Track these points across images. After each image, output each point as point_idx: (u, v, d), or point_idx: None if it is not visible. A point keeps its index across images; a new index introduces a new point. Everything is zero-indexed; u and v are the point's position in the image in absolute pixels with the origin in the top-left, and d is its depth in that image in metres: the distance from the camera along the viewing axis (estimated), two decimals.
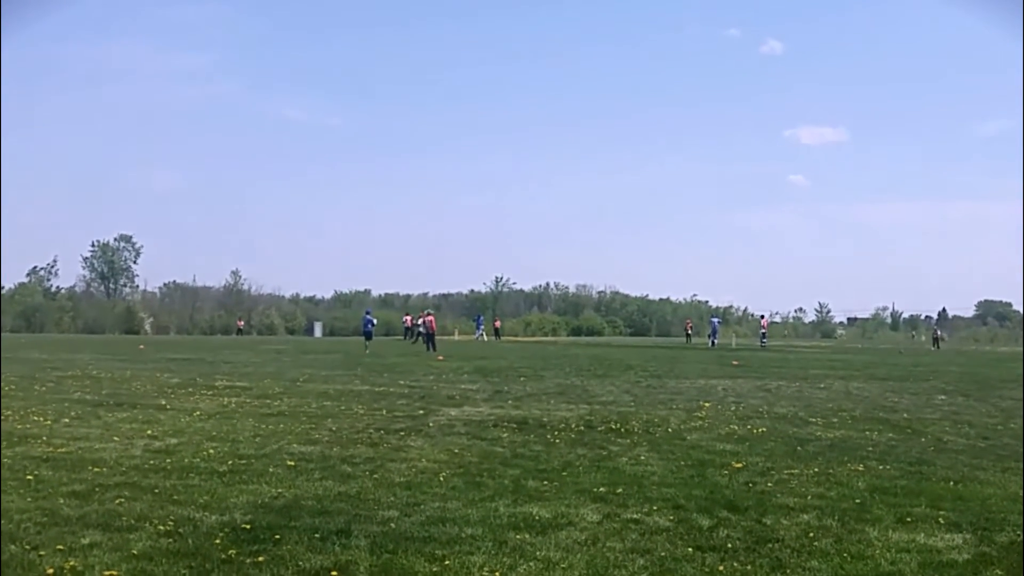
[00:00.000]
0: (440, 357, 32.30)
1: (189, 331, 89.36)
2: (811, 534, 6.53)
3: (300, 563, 5.66)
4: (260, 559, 5.71)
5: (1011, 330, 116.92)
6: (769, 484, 8.43)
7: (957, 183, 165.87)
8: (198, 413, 13.28)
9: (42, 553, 5.74)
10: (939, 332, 71.04)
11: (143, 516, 6.72)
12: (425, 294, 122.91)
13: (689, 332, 72.08)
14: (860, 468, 9.37)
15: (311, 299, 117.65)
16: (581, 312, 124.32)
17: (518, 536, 6.34)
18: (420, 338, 51.45)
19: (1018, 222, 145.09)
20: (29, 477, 8.09)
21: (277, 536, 6.20)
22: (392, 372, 23.66)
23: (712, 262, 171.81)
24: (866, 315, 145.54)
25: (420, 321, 46.35)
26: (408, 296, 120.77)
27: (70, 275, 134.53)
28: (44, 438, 10.46)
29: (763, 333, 61.92)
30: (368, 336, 40.44)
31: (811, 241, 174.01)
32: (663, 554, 5.97)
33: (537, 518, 6.88)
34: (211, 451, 9.77)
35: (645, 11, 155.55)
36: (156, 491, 7.64)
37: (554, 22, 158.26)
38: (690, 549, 6.08)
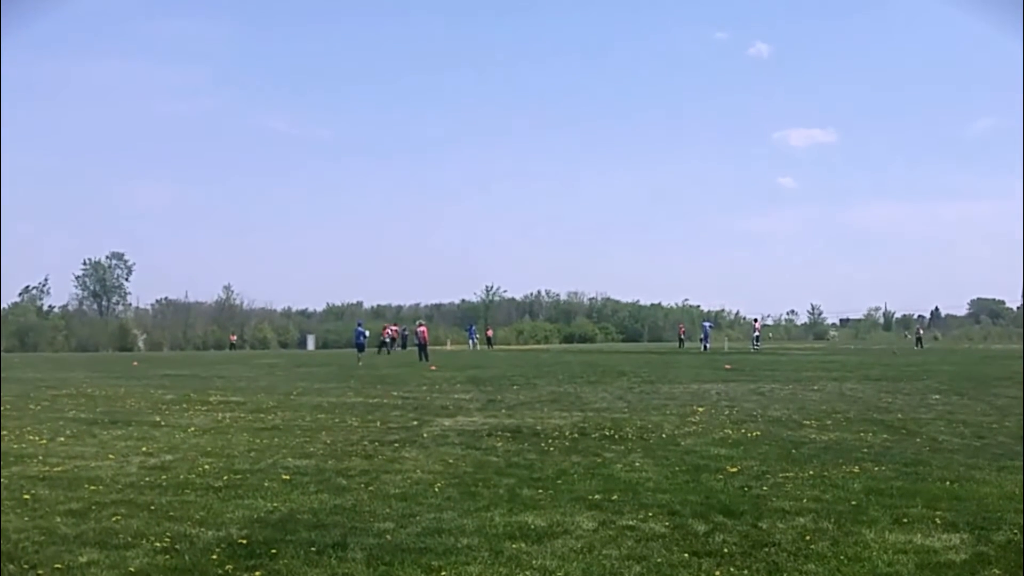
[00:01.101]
0: (433, 367, 32.30)
1: (182, 347, 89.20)
2: (807, 537, 6.54)
3: None
4: (257, 574, 5.72)
5: (1004, 327, 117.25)
6: (764, 488, 8.44)
7: (947, 182, 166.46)
8: (193, 429, 13.27)
9: (40, 572, 5.74)
10: (921, 331, 71.20)
11: (140, 533, 6.71)
12: (417, 305, 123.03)
13: (682, 337, 72.15)
14: (855, 470, 9.39)
15: (303, 312, 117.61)
16: (573, 319, 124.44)
17: (514, 545, 6.35)
18: (385, 349, 51.71)
19: (1007, 219, 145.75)
20: (26, 496, 8.08)
21: (273, 551, 6.20)
22: (385, 383, 23.65)
23: (703, 266, 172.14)
24: (859, 316, 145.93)
25: (412, 331, 46.54)
26: (400, 307, 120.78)
27: (62, 294, 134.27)
28: (40, 457, 10.45)
29: (756, 336, 62.00)
30: (360, 348, 40.44)
31: (802, 243, 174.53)
32: (659, 560, 5.98)
33: (533, 527, 6.89)
34: (206, 467, 9.76)
35: (632, 15, 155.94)
36: (152, 508, 7.63)
37: (542, 27, 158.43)
38: (686, 555, 6.10)
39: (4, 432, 12.71)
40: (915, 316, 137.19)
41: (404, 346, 58.83)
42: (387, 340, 54.52)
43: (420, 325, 44.52)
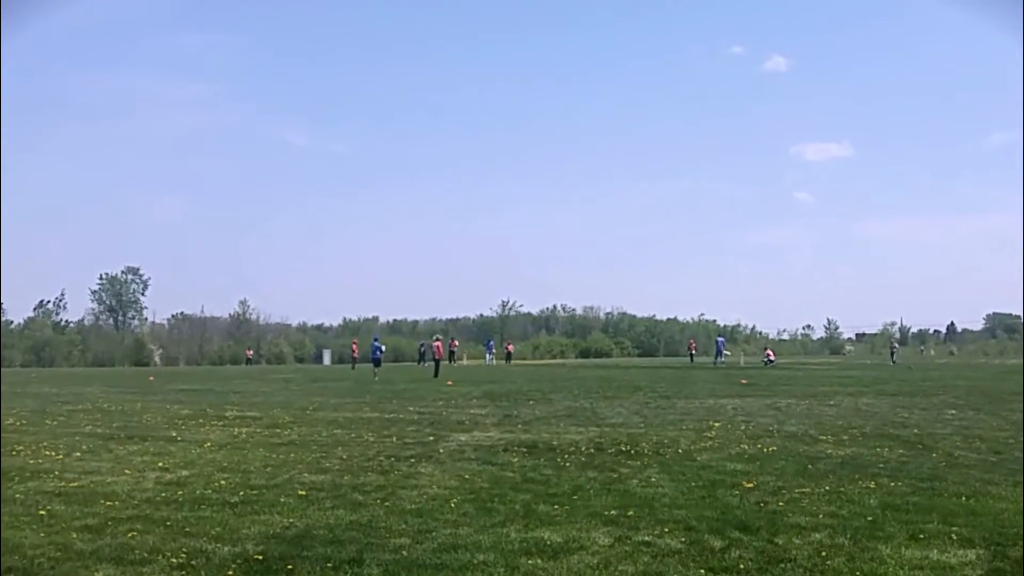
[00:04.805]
0: (449, 382, 32.30)
1: (198, 362, 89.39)
2: (823, 553, 6.52)
3: None
4: None
5: (1020, 342, 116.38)
6: (780, 503, 8.42)
7: (963, 196, 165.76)
8: (209, 444, 13.31)
9: None
10: (896, 345, 71.34)
11: (156, 549, 6.74)
12: (433, 319, 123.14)
13: (693, 352, 72.00)
14: (872, 485, 9.36)
15: (319, 327, 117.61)
16: (589, 334, 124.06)
17: (530, 561, 6.34)
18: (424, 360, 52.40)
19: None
20: (42, 512, 8.13)
21: (290, 566, 6.22)
22: (401, 398, 23.68)
23: (719, 280, 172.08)
24: (874, 331, 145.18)
25: (428, 345, 46.88)
26: (416, 322, 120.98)
27: (78, 308, 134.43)
28: (56, 472, 10.50)
29: (768, 359, 61.31)
30: (377, 363, 40.50)
31: (818, 257, 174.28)
32: None
33: (549, 543, 6.89)
34: (222, 482, 9.79)
35: (648, 31, 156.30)
36: (168, 523, 7.67)
37: (557, 43, 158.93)
38: (702, 571, 6.09)
39: (20, 447, 12.81)
40: (931, 331, 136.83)
41: (423, 360, 59.48)
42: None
43: (437, 340, 44.69)
